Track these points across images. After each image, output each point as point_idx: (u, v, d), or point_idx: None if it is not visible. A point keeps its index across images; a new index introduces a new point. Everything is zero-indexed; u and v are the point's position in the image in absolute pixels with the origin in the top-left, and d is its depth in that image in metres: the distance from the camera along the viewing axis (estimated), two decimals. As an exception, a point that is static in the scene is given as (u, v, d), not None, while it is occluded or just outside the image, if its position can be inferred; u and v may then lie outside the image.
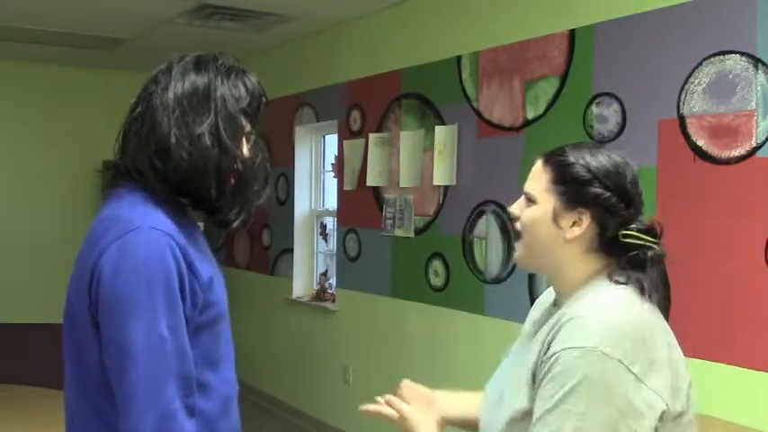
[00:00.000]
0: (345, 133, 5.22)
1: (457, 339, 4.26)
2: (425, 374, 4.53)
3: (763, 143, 2.85)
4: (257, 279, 6.32)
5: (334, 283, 5.52)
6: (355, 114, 5.12)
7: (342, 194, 5.29)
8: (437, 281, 4.40)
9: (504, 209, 3.93)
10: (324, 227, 5.87)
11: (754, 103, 2.88)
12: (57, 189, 6.98)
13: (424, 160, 4.46)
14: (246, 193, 1.56)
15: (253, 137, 1.57)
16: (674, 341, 1.40)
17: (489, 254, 4.03)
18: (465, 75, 4.21)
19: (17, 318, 6.02)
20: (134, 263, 1.39)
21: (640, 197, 1.43)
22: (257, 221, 6.34)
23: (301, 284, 5.88)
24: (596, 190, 1.39)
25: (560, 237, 1.42)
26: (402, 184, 4.63)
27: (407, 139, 4.60)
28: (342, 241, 5.26)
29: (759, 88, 2.86)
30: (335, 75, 5.34)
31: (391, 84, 4.77)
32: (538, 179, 1.46)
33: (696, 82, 3.07)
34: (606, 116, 3.43)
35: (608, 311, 1.34)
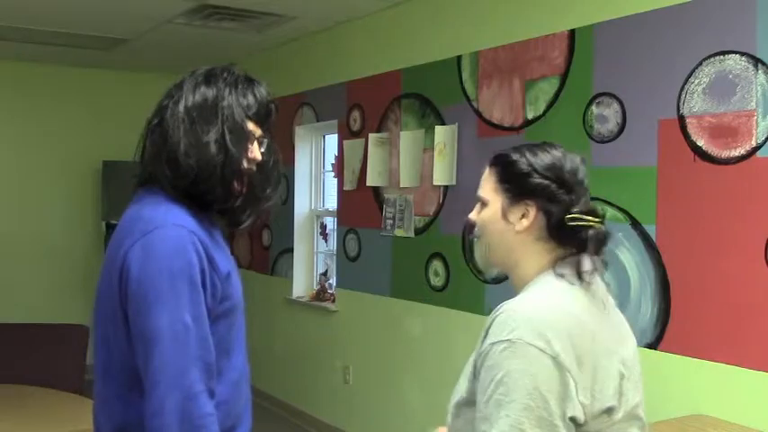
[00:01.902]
0: (345, 133, 5.22)
1: (457, 339, 4.26)
2: (425, 375, 4.53)
3: (763, 143, 2.85)
4: (257, 279, 6.32)
5: (334, 283, 5.52)
6: (355, 114, 5.12)
7: (342, 194, 5.29)
8: (437, 281, 4.40)
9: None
10: (324, 227, 5.87)
11: (753, 103, 2.88)
12: (57, 189, 6.98)
13: (424, 160, 4.46)
14: (257, 194, 1.72)
15: (266, 140, 1.70)
16: (608, 334, 1.44)
17: (489, 254, 4.02)
18: (465, 75, 4.21)
19: (17, 318, 6.02)
20: (159, 258, 1.52)
21: (581, 185, 1.51)
22: (257, 221, 6.33)
23: (301, 284, 5.89)
24: (537, 181, 1.49)
25: (511, 230, 1.51)
26: (402, 184, 4.63)
27: (407, 139, 4.60)
28: (342, 241, 5.26)
29: (759, 88, 2.86)
30: (335, 75, 5.34)
31: (391, 84, 4.77)
32: (486, 182, 1.59)
33: (696, 82, 3.07)
34: (606, 116, 3.43)
35: (535, 304, 1.42)
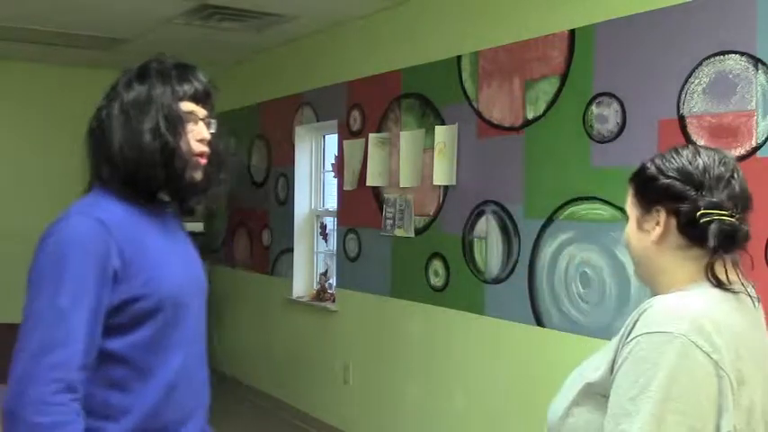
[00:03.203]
0: (345, 133, 5.22)
1: (457, 339, 4.26)
2: (425, 375, 4.53)
3: (763, 143, 2.85)
4: (257, 279, 6.32)
5: (334, 283, 5.52)
6: (355, 114, 5.12)
7: (342, 194, 5.29)
8: (437, 281, 4.40)
9: (503, 208, 3.93)
10: (324, 227, 5.87)
11: (753, 103, 2.88)
12: (57, 189, 6.97)
13: (424, 160, 4.46)
14: (210, 176, 1.76)
15: (213, 121, 1.76)
16: (761, 356, 1.35)
17: (489, 254, 4.03)
18: (465, 75, 4.21)
19: (17, 318, 6.01)
20: (50, 245, 1.55)
21: (717, 180, 1.39)
22: (257, 221, 6.34)
23: (301, 284, 5.88)
24: (662, 182, 1.40)
25: (647, 241, 1.42)
26: (402, 184, 4.63)
27: (407, 139, 4.60)
28: (342, 241, 5.26)
29: (759, 88, 2.86)
30: (335, 75, 5.34)
31: (391, 84, 4.77)
32: (628, 197, 1.50)
33: (696, 82, 3.07)
34: (606, 116, 3.43)
35: (699, 305, 1.31)
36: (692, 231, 1.37)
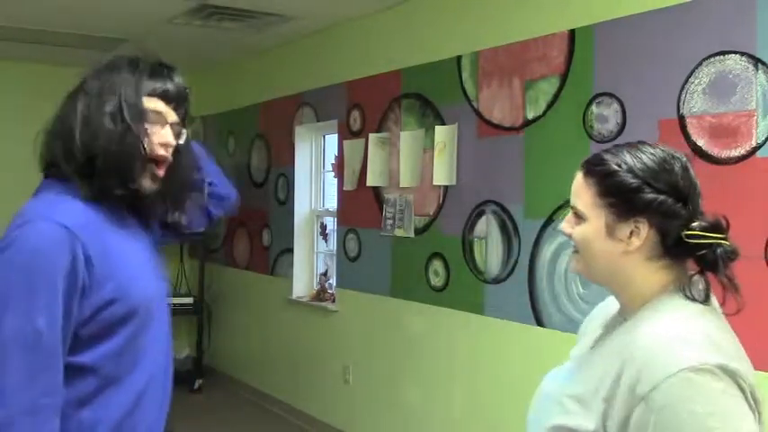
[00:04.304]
0: (345, 133, 5.22)
1: (457, 339, 4.26)
2: (425, 375, 4.53)
3: (763, 143, 2.85)
4: (257, 279, 6.32)
5: (334, 283, 5.52)
6: (355, 114, 5.12)
7: (342, 194, 5.29)
8: (437, 281, 4.40)
9: (503, 208, 3.93)
10: (324, 227, 5.87)
11: (753, 103, 2.88)
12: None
13: (424, 160, 4.46)
14: (172, 187, 1.65)
15: (184, 131, 1.64)
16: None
17: (489, 254, 4.03)
18: (465, 75, 4.21)
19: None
20: (17, 255, 1.43)
21: (696, 190, 1.33)
22: (257, 221, 6.34)
23: (301, 284, 5.88)
24: (648, 196, 1.29)
25: (619, 250, 1.32)
26: (402, 184, 4.63)
27: (407, 139, 4.60)
28: (342, 241, 5.26)
29: (759, 88, 2.86)
30: (335, 75, 5.34)
31: (391, 84, 4.77)
32: (583, 194, 1.36)
33: (696, 82, 3.07)
34: (606, 116, 3.43)
35: (691, 326, 1.26)
36: (676, 248, 1.31)
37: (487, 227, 4.04)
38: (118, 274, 1.52)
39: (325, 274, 5.74)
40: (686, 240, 1.29)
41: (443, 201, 4.35)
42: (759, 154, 2.86)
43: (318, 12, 5.01)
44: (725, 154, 2.97)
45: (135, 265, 1.59)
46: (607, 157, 1.35)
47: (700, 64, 3.05)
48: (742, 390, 1.21)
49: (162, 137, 1.59)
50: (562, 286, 3.60)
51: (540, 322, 3.70)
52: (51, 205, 1.52)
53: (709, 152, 3.01)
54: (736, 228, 3.03)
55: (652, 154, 1.33)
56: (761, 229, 2.85)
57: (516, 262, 3.86)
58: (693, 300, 1.30)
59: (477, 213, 4.10)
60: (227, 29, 5.40)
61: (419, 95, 4.55)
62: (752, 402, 1.22)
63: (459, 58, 4.25)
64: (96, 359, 1.51)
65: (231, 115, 6.50)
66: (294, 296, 5.85)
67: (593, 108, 3.48)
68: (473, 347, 4.15)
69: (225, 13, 4.99)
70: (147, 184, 1.59)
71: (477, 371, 4.14)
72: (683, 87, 3.11)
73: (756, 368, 2.96)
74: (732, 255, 1.30)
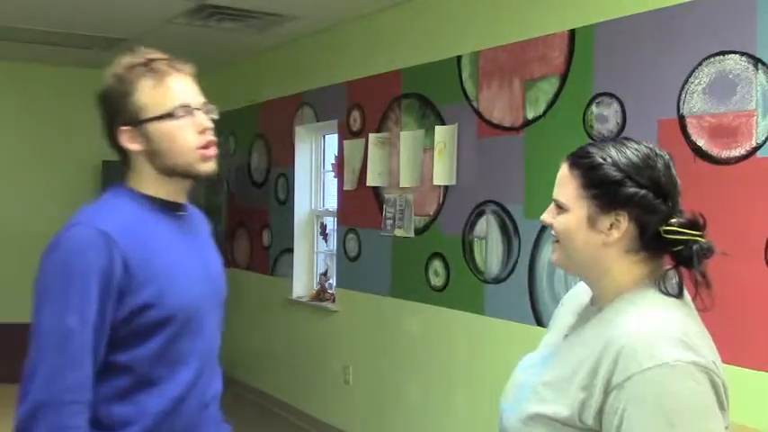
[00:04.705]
0: (345, 133, 5.22)
1: (457, 339, 4.26)
2: (425, 375, 4.53)
3: (763, 143, 2.85)
4: (257, 279, 6.32)
5: (334, 283, 5.52)
6: (355, 114, 5.12)
7: (342, 194, 5.29)
8: (437, 281, 4.40)
9: (503, 208, 3.93)
10: (324, 227, 5.87)
11: (753, 103, 2.88)
12: (57, 189, 6.98)
13: (424, 160, 4.46)
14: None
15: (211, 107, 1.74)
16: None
17: (489, 254, 4.03)
18: (465, 75, 4.21)
19: (17, 317, 6.01)
20: (55, 257, 1.51)
21: (676, 187, 1.37)
22: (257, 221, 6.34)
23: (301, 284, 5.88)
24: (630, 190, 1.33)
25: (598, 241, 1.36)
26: (402, 184, 4.63)
27: (407, 139, 4.60)
28: (342, 241, 5.26)
29: (759, 88, 2.86)
30: (335, 75, 5.34)
31: (391, 84, 4.77)
32: (566, 185, 1.41)
33: (696, 82, 3.07)
34: (606, 116, 3.43)
35: (666, 320, 1.29)
36: (654, 243, 1.34)
37: (487, 227, 4.04)
38: (157, 280, 1.55)
39: (325, 274, 5.74)
40: (664, 236, 1.33)
41: (443, 201, 4.35)
42: (759, 154, 2.86)
43: (318, 12, 5.01)
44: (725, 154, 2.97)
45: (184, 272, 1.62)
46: (593, 150, 1.40)
47: (700, 64, 3.05)
48: (716, 385, 1.24)
49: (199, 125, 1.70)
50: (562, 286, 3.60)
51: (540, 322, 3.70)
52: (99, 210, 1.61)
53: (710, 152, 3.01)
54: (737, 227, 3.05)
55: (636, 150, 1.37)
56: (761, 229, 2.85)
57: (516, 262, 3.86)
58: (668, 294, 1.33)
59: (477, 213, 4.10)
60: (226, 29, 5.40)
61: (419, 95, 4.55)
62: (724, 398, 1.26)
63: (459, 58, 4.25)
64: (131, 359, 1.54)
65: (231, 115, 6.50)
66: (294, 296, 5.85)
67: (593, 108, 3.48)
68: (473, 347, 4.15)
69: (225, 13, 4.98)
70: (206, 167, 1.66)
71: (477, 371, 4.14)
72: (682, 87, 3.11)
73: (757, 368, 2.97)
74: (707, 252, 1.34)
